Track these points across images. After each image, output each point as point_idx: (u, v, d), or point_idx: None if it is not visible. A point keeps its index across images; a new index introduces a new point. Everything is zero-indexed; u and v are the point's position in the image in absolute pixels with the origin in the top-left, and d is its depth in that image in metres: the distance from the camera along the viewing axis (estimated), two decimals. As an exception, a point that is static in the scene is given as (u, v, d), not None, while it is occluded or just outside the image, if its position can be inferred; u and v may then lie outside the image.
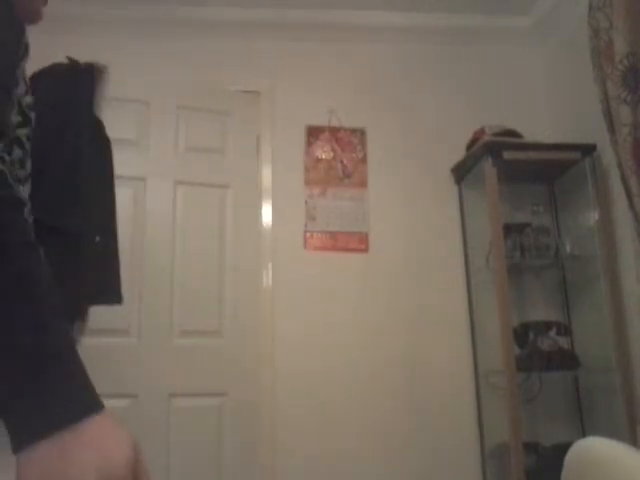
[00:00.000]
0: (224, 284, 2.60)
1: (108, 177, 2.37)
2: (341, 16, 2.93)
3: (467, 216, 2.79)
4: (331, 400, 2.57)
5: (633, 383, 2.29)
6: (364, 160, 2.85)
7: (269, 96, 2.86)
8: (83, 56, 2.55)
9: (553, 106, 2.93)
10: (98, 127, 2.40)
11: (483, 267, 2.63)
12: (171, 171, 2.65)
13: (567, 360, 2.46)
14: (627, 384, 2.29)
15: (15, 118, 0.75)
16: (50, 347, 0.52)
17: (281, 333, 2.61)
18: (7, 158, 0.64)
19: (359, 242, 2.74)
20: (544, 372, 2.44)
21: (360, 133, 2.87)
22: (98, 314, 2.39)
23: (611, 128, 2.09)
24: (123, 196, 2.52)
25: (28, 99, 0.79)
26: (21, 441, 0.49)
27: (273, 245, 2.69)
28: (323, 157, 2.83)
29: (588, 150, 2.53)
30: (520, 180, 2.76)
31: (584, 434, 2.54)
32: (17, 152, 0.74)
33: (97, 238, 2.38)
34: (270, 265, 2.67)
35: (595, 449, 1.22)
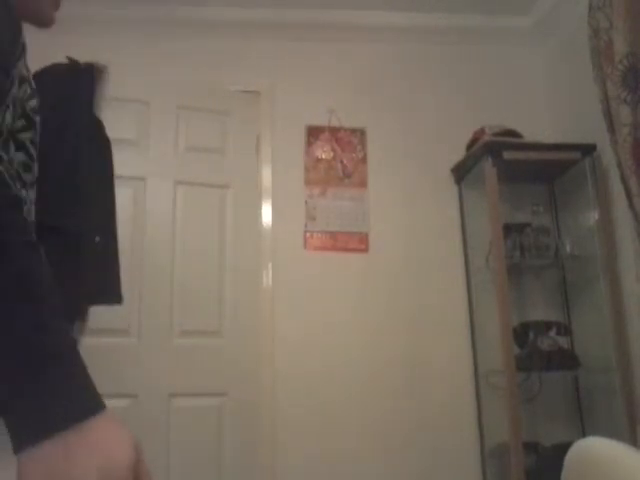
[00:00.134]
0: (224, 284, 2.60)
1: (108, 177, 2.37)
2: (341, 16, 2.93)
3: (467, 216, 2.79)
4: (331, 400, 2.57)
5: (633, 383, 2.29)
6: (364, 160, 2.85)
7: (269, 96, 2.86)
8: (83, 56, 2.55)
9: (553, 106, 2.93)
10: (98, 127, 2.40)
11: (483, 267, 2.63)
12: (171, 171, 2.65)
13: (567, 360, 2.46)
14: (627, 384, 2.29)
15: (19, 122, 0.75)
16: (50, 347, 0.52)
17: (281, 333, 2.61)
18: (5, 157, 0.64)
19: (359, 242, 2.74)
20: (544, 372, 2.44)
21: (360, 133, 2.87)
22: (98, 314, 2.39)
23: (611, 128, 2.09)
24: (123, 196, 2.52)
25: (33, 103, 0.79)
26: (22, 441, 0.49)
27: (273, 245, 2.69)
28: (323, 157, 2.83)
29: (588, 150, 2.53)
30: (520, 180, 2.76)
31: (584, 434, 2.54)
32: (20, 156, 0.74)
33: (97, 238, 2.38)
34: (270, 265, 2.67)
35: (595, 449, 1.22)
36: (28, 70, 0.79)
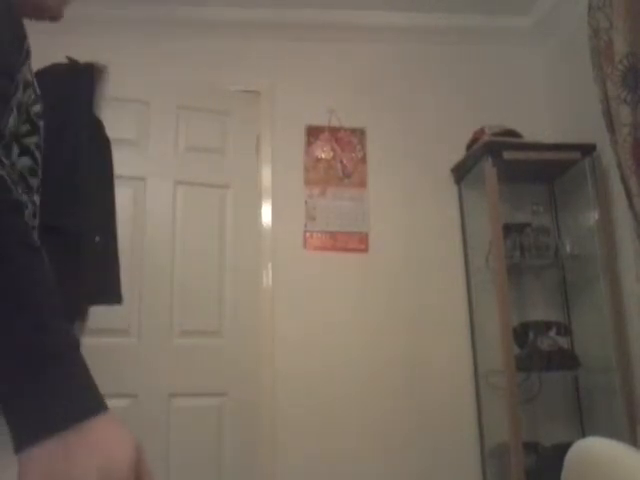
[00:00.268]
0: (224, 284, 2.60)
1: (108, 177, 2.37)
2: (341, 16, 2.93)
3: (467, 216, 2.79)
4: (331, 400, 2.57)
5: (633, 383, 2.29)
6: (364, 160, 2.85)
7: (269, 96, 2.86)
8: (83, 56, 2.55)
9: (553, 106, 2.93)
10: (98, 127, 2.40)
11: (483, 267, 2.63)
12: (171, 171, 2.65)
13: (567, 360, 2.46)
14: (627, 384, 2.29)
15: (24, 127, 0.75)
16: (50, 347, 0.52)
17: (281, 333, 2.61)
18: (6, 161, 0.64)
19: (359, 242, 2.74)
20: (544, 372, 2.44)
21: (360, 133, 2.87)
22: (98, 314, 2.39)
23: (611, 128, 2.09)
24: (123, 196, 2.52)
25: (37, 108, 0.79)
26: (22, 441, 0.49)
27: (273, 245, 2.69)
28: (323, 157, 2.83)
29: (588, 150, 2.53)
30: (520, 180, 2.76)
31: (584, 434, 2.54)
32: (25, 160, 0.75)
33: (97, 238, 2.38)
34: (270, 265, 2.67)
35: (595, 449, 1.22)
36: (32, 75, 0.79)
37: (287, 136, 2.83)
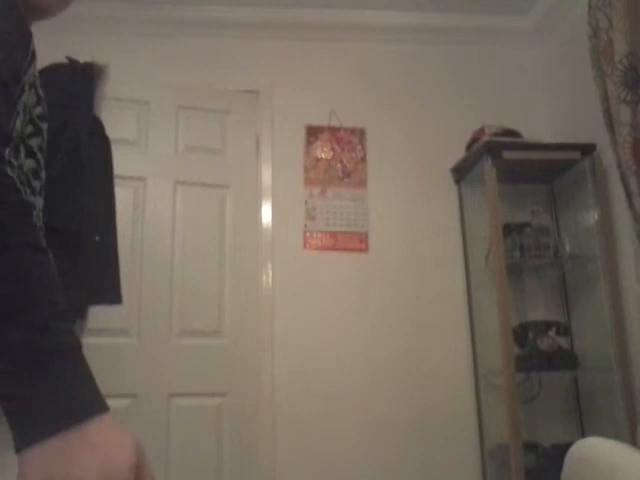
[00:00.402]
0: (224, 284, 2.60)
1: (108, 177, 2.37)
2: (341, 16, 2.93)
3: (467, 216, 2.79)
4: (331, 400, 2.57)
5: (633, 383, 2.29)
6: (364, 160, 2.85)
7: (269, 96, 2.86)
8: (83, 56, 2.55)
9: (553, 106, 2.93)
10: (97, 127, 2.40)
11: (483, 267, 2.63)
12: (171, 171, 2.65)
13: (567, 360, 2.46)
14: (627, 384, 2.29)
15: (28, 128, 0.75)
16: (52, 348, 0.52)
17: (281, 333, 2.61)
18: (15, 163, 0.65)
19: (359, 242, 2.74)
20: (544, 372, 2.44)
21: (360, 133, 2.87)
22: (98, 314, 2.39)
23: (611, 128, 2.09)
24: (123, 196, 2.53)
25: (39, 110, 0.79)
26: (23, 441, 0.49)
27: (273, 245, 2.69)
28: (323, 157, 2.83)
29: (588, 150, 2.53)
30: (520, 180, 2.76)
31: (583, 434, 2.54)
32: (30, 162, 0.75)
33: (97, 238, 2.38)
34: (270, 265, 2.67)
35: (595, 449, 1.22)
36: (36, 77, 0.79)
37: (287, 136, 2.83)
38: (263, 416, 2.52)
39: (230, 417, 2.48)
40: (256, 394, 2.53)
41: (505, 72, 3.04)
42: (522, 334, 2.51)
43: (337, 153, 2.84)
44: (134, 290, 2.47)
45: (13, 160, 0.63)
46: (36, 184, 0.77)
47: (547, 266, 2.68)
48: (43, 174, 0.80)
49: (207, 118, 2.75)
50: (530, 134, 2.73)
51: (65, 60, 2.45)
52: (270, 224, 2.72)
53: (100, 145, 2.49)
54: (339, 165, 2.82)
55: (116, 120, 2.58)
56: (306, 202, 2.76)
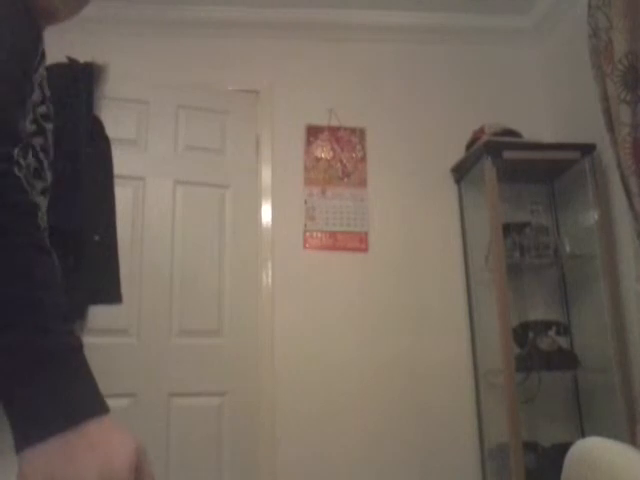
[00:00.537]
0: (224, 284, 2.60)
1: (108, 177, 2.37)
2: (341, 16, 2.93)
3: (467, 216, 2.79)
4: (331, 400, 2.57)
5: (632, 383, 2.29)
6: (364, 159, 2.85)
7: (269, 96, 2.86)
8: (83, 56, 2.55)
9: (553, 106, 2.93)
10: (97, 127, 2.40)
11: (483, 267, 2.63)
12: (171, 170, 2.65)
13: (566, 360, 2.46)
14: (626, 384, 2.29)
15: (31, 127, 0.75)
16: (54, 348, 0.52)
17: (281, 333, 2.61)
18: (23, 163, 0.64)
19: (359, 242, 2.74)
20: (544, 372, 2.44)
21: (360, 132, 2.87)
22: (98, 314, 2.39)
23: (610, 128, 2.09)
24: (123, 195, 2.53)
25: (43, 109, 0.78)
26: (23, 441, 0.49)
27: (273, 245, 2.69)
28: (323, 156, 2.83)
29: (588, 150, 2.53)
30: (520, 180, 2.76)
31: (583, 434, 2.54)
32: (31, 161, 0.74)
33: (96, 237, 2.38)
34: (270, 265, 2.67)
35: (595, 449, 1.22)
36: (44, 76, 0.79)
37: (287, 136, 2.83)
38: (263, 416, 2.52)
39: (230, 417, 2.48)
40: (256, 394, 2.53)
41: (505, 72, 3.04)
42: (522, 334, 2.51)
43: (337, 153, 2.84)
44: (134, 290, 2.47)
45: (21, 160, 0.63)
46: (39, 184, 0.76)
47: (547, 266, 2.68)
48: (48, 175, 0.80)
49: (207, 118, 2.75)
50: (530, 134, 2.73)
51: (65, 60, 2.45)
52: (270, 224, 2.72)
53: (100, 145, 2.49)
54: (339, 165, 2.82)
55: (116, 120, 2.58)
56: (306, 202, 2.76)
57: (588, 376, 2.56)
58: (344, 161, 2.83)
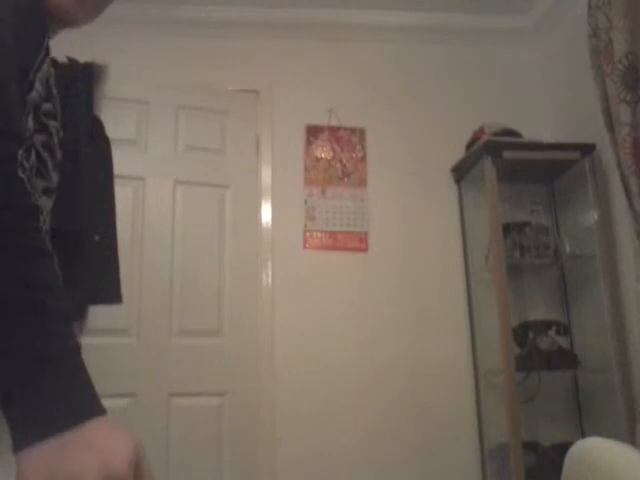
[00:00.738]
0: (224, 284, 2.60)
1: (108, 177, 2.37)
2: (341, 16, 2.93)
3: (467, 216, 2.79)
4: (331, 400, 2.57)
5: (632, 383, 2.29)
6: (364, 159, 2.85)
7: (269, 96, 2.86)
8: (83, 56, 2.55)
9: (553, 106, 2.93)
10: (97, 127, 2.40)
11: (483, 267, 2.63)
12: (170, 170, 2.65)
13: (566, 359, 2.46)
14: (626, 383, 2.29)
15: (31, 123, 0.74)
16: (52, 350, 0.52)
17: (280, 333, 2.61)
18: (27, 165, 0.64)
19: (359, 242, 2.74)
20: (544, 371, 2.44)
21: (360, 132, 2.87)
22: (98, 314, 2.39)
23: (610, 128, 2.09)
24: (123, 196, 2.53)
25: (48, 106, 0.77)
26: (22, 441, 0.49)
27: (273, 245, 2.69)
28: (323, 156, 2.83)
29: (587, 150, 2.53)
30: (520, 180, 2.76)
31: (583, 434, 2.54)
32: (34, 162, 0.74)
33: (96, 237, 2.38)
34: (270, 265, 2.67)
35: (595, 449, 1.22)
36: (51, 74, 0.78)
37: (287, 136, 2.83)
38: (263, 416, 2.52)
39: (230, 417, 2.48)
40: (256, 394, 2.53)
41: (505, 72, 3.04)
42: (522, 334, 2.51)
43: (337, 153, 2.84)
44: (134, 290, 2.47)
45: (25, 162, 0.62)
46: (40, 184, 0.75)
47: (547, 266, 2.68)
48: (53, 176, 0.79)
49: (207, 118, 2.75)
50: (530, 134, 2.73)
51: (65, 60, 2.45)
52: (270, 224, 2.72)
53: (100, 145, 2.49)
54: (339, 165, 2.82)
55: (116, 120, 2.58)
56: (306, 202, 2.76)
57: (588, 376, 2.56)
58: (344, 161, 2.83)
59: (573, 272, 2.69)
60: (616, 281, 2.39)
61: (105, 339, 2.38)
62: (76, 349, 0.55)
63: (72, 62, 2.48)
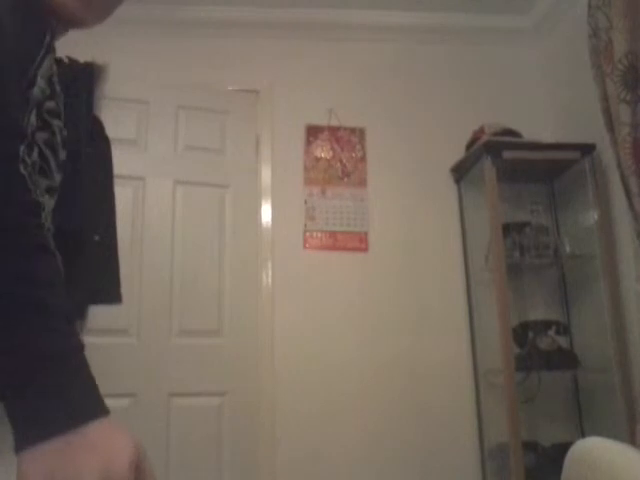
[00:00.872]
0: (224, 284, 2.60)
1: (108, 177, 2.37)
2: (341, 16, 2.93)
3: (466, 216, 2.79)
4: (331, 399, 2.57)
5: (632, 382, 2.29)
6: (363, 159, 2.85)
7: (268, 95, 2.86)
8: (83, 56, 2.55)
9: (553, 106, 2.93)
10: (97, 127, 2.40)
11: (483, 267, 2.63)
12: (170, 170, 2.65)
13: (566, 359, 2.46)
14: (626, 383, 2.29)
15: (33, 120, 0.73)
16: (54, 348, 0.52)
17: (281, 333, 2.61)
18: (28, 161, 0.64)
19: (359, 242, 2.74)
20: (543, 371, 2.44)
21: (360, 132, 2.87)
22: (98, 314, 2.39)
23: (610, 127, 2.09)
24: (122, 196, 2.53)
25: (51, 104, 0.76)
26: (24, 441, 0.49)
27: (272, 245, 2.69)
28: (322, 156, 2.83)
29: (587, 150, 2.53)
30: (519, 180, 2.76)
31: (583, 433, 2.54)
32: (36, 159, 0.73)
33: (96, 237, 2.38)
34: (269, 265, 2.67)
35: (595, 449, 1.22)
36: (54, 71, 0.77)
37: (287, 135, 2.83)
38: (263, 416, 2.52)
39: (230, 417, 2.48)
40: (256, 394, 2.53)
41: (505, 72, 3.04)
42: (522, 334, 2.51)
43: (337, 153, 2.84)
44: (134, 290, 2.47)
45: (27, 158, 0.62)
46: (43, 182, 0.75)
47: (547, 266, 2.68)
48: (56, 175, 0.78)
49: (207, 118, 2.75)
50: (530, 134, 2.73)
51: (65, 60, 2.45)
52: (270, 224, 2.72)
53: (100, 145, 2.49)
54: (339, 165, 2.82)
55: (116, 120, 2.57)
56: (306, 202, 2.76)
57: (588, 376, 2.56)
58: (344, 161, 2.83)
59: (573, 272, 2.69)
60: (616, 281, 2.39)
61: (105, 339, 2.38)
62: (79, 347, 0.55)
63: (72, 62, 2.48)
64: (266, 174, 2.77)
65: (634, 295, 2.30)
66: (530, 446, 2.39)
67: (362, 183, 2.81)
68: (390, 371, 2.62)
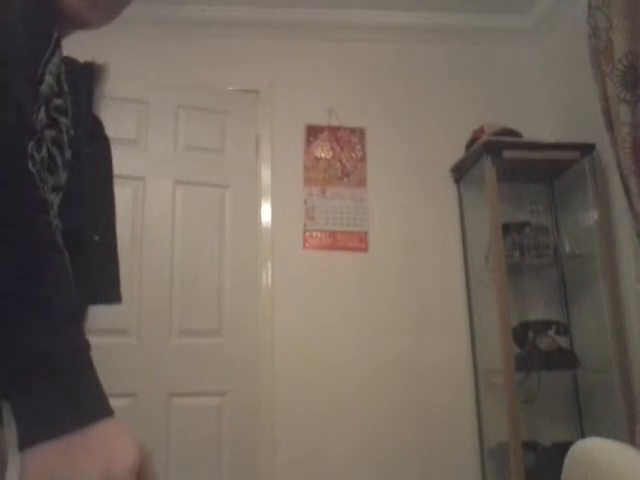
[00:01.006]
0: (223, 283, 2.60)
1: (107, 177, 2.37)
2: (341, 16, 2.93)
3: (466, 215, 2.79)
4: (331, 400, 2.57)
5: (632, 382, 2.29)
6: (363, 159, 2.85)
7: (268, 95, 2.86)
8: (83, 56, 2.55)
9: (552, 106, 2.93)
10: (97, 126, 2.40)
11: (483, 267, 2.63)
12: (170, 170, 2.65)
13: (566, 359, 2.46)
14: (626, 383, 2.29)
15: (42, 117, 0.73)
16: (62, 351, 0.52)
17: (280, 333, 2.61)
18: (37, 157, 0.63)
19: (358, 241, 2.74)
20: (543, 371, 2.44)
21: (359, 132, 2.88)
22: (98, 314, 2.39)
23: (610, 127, 2.09)
24: (122, 196, 2.52)
25: (59, 102, 0.76)
26: (27, 440, 0.49)
27: (272, 244, 2.69)
28: (322, 156, 2.83)
29: (587, 149, 2.53)
30: (519, 179, 2.76)
31: (583, 433, 2.54)
32: (45, 155, 0.73)
33: (96, 237, 2.38)
34: (269, 264, 2.67)
35: (595, 449, 1.22)
36: (62, 69, 0.77)
37: (286, 135, 2.83)
38: (263, 416, 2.52)
39: (230, 417, 2.48)
40: (256, 394, 2.53)
41: (505, 72, 3.04)
42: (522, 333, 2.51)
43: (337, 153, 2.84)
44: (134, 290, 2.46)
45: (35, 154, 0.62)
46: (50, 180, 0.74)
47: (547, 266, 2.68)
48: (62, 173, 0.77)
49: (207, 118, 2.75)
50: (530, 134, 2.73)
51: (65, 60, 2.45)
52: (270, 224, 2.72)
53: (100, 145, 2.49)
54: (339, 165, 2.82)
55: (116, 120, 2.57)
56: (306, 202, 2.76)
57: (588, 376, 2.56)
58: (344, 161, 2.83)
59: (573, 272, 2.69)
60: (616, 281, 2.39)
61: (105, 339, 2.37)
62: (83, 348, 0.54)
63: (72, 61, 2.48)
64: (266, 174, 2.78)
65: (634, 295, 2.30)
66: (530, 446, 2.39)
67: (362, 183, 2.82)
68: (390, 371, 2.62)
